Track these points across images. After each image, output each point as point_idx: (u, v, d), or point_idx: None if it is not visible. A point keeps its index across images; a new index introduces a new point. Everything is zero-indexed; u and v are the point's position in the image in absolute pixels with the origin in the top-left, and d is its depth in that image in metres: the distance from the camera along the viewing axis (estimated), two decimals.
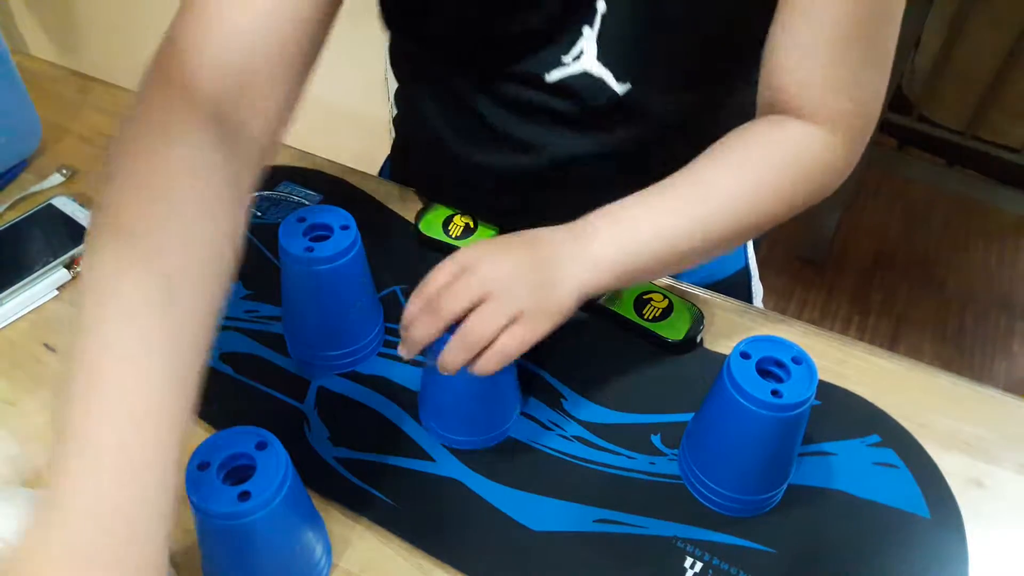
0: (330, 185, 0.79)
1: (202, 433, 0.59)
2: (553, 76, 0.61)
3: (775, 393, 0.49)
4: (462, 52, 0.64)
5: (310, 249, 0.56)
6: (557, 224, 0.56)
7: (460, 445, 0.58)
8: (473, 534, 0.54)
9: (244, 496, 0.43)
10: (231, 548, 0.46)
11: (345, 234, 0.57)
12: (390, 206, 0.77)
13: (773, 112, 0.60)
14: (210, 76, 0.45)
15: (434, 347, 0.52)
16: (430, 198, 0.76)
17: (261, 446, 0.45)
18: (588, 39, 0.59)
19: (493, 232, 0.72)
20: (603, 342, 0.65)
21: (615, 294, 0.67)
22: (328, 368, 0.63)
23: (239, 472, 0.45)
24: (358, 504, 0.55)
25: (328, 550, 0.52)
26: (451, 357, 0.51)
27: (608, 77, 0.60)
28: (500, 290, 0.51)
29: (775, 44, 0.58)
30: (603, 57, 0.59)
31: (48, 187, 0.79)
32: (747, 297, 0.83)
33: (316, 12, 0.49)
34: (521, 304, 0.51)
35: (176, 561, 0.52)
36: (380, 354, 0.64)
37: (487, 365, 0.50)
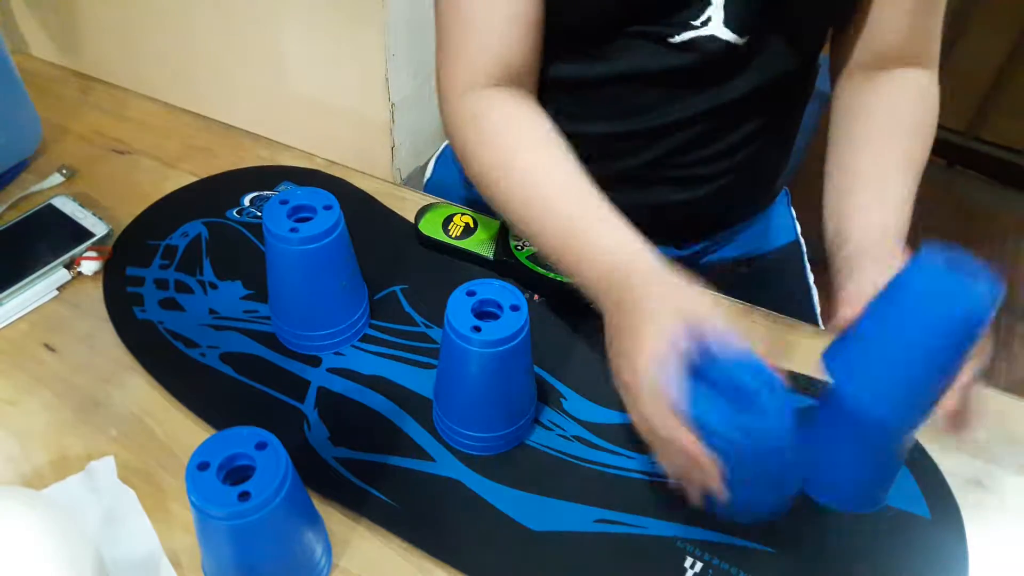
0: (330, 185, 0.79)
1: (202, 433, 0.60)
2: (679, 38, 0.64)
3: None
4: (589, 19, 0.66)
5: (295, 230, 0.57)
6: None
7: (472, 448, 0.58)
8: (473, 534, 0.54)
9: (244, 496, 0.43)
10: (231, 548, 0.46)
11: (328, 214, 0.58)
12: (390, 206, 0.77)
13: (878, 67, 0.67)
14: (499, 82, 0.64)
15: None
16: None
17: (261, 446, 0.45)
18: (716, 7, 0.62)
19: (493, 231, 0.72)
20: (603, 342, 0.65)
21: None
22: (312, 348, 0.64)
23: (239, 472, 0.45)
24: (358, 504, 0.55)
25: (328, 550, 0.52)
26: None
27: (732, 38, 0.63)
28: None
29: (880, 6, 0.65)
30: (729, 23, 0.62)
31: (48, 187, 0.79)
32: (801, 270, 0.86)
33: (537, 14, 0.64)
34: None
35: (176, 561, 0.52)
36: (379, 353, 0.64)
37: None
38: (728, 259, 0.83)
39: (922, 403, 0.47)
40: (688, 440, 0.45)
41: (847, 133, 0.65)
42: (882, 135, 0.64)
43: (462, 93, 0.64)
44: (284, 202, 0.59)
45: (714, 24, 0.63)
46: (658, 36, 0.64)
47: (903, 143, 0.63)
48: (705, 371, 0.46)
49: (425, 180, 0.98)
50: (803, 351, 0.65)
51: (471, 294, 0.53)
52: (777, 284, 0.75)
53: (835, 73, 0.71)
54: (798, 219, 0.90)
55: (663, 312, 0.48)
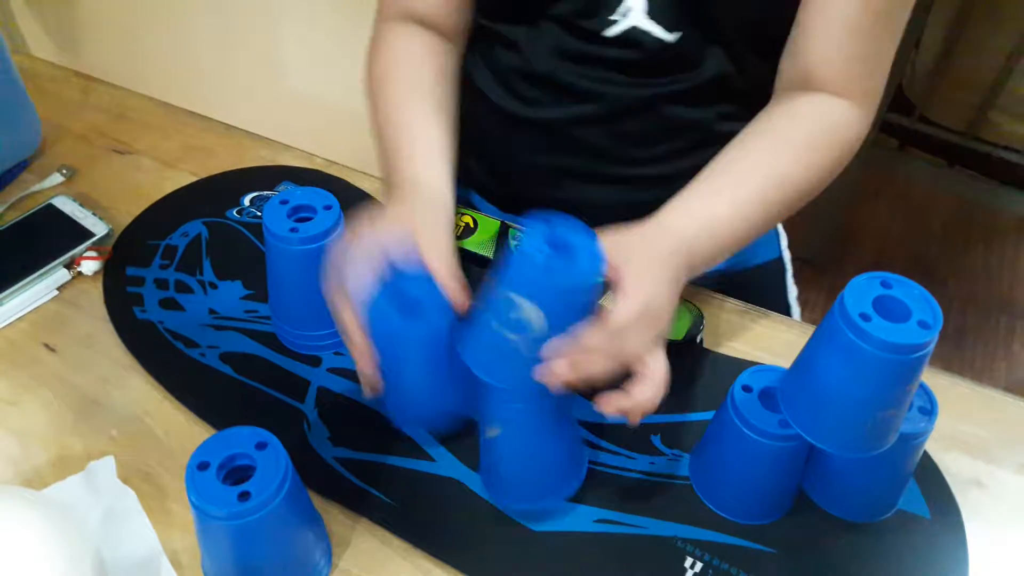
0: (330, 185, 0.79)
1: (202, 433, 0.60)
2: (612, 31, 0.63)
3: (781, 423, 0.50)
4: (519, 10, 0.67)
5: (294, 230, 0.57)
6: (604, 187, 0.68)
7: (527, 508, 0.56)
8: (473, 534, 0.54)
9: (244, 496, 0.43)
10: (231, 548, 0.46)
11: (328, 214, 0.59)
12: None
13: (802, 88, 0.62)
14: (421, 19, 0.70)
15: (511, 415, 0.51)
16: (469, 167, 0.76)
17: (261, 446, 0.45)
18: None
19: (493, 231, 0.72)
20: None
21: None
22: (312, 348, 0.64)
23: (239, 472, 0.45)
24: (358, 504, 0.55)
25: (328, 550, 0.52)
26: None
27: (657, 30, 0.62)
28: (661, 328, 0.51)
29: (806, 23, 0.60)
30: (652, 13, 0.61)
31: (48, 187, 0.79)
32: (782, 287, 0.83)
33: None
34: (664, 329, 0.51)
35: (176, 561, 0.52)
36: None
37: (646, 401, 0.49)
38: (706, 275, 0.81)
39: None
40: (348, 318, 0.53)
41: (740, 133, 0.63)
42: (756, 137, 0.61)
43: (385, 19, 0.71)
44: (284, 202, 0.59)
45: (635, 15, 0.61)
46: (588, 30, 0.64)
47: (775, 152, 0.60)
48: (393, 283, 0.52)
49: None
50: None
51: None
52: (757, 302, 0.74)
53: (774, 90, 0.67)
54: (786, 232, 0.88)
55: (393, 223, 0.55)
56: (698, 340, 0.65)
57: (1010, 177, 1.60)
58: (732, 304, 0.69)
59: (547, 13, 0.65)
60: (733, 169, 0.60)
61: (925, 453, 0.59)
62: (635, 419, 0.49)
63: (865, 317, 0.44)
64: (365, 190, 0.79)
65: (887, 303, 0.45)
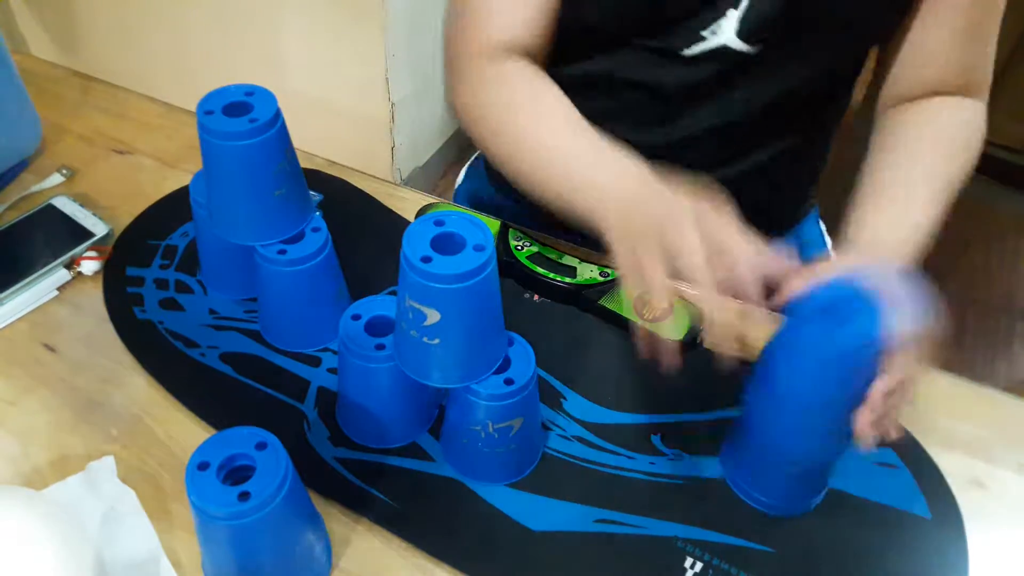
0: (330, 185, 0.79)
1: (202, 433, 0.60)
2: (692, 51, 0.64)
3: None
4: (608, 33, 0.68)
5: (283, 252, 0.59)
6: None
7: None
8: (473, 534, 0.54)
9: (244, 496, 0.43)
10: (231, 548, 0.46)
11: (316, 236, 0.60)
12: (390, 206, 0.77)
13: (929, 94, 0.67)
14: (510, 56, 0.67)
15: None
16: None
17: (261, 446, 0.45)
18: (730, 19, 0.62)
19: (495, 229, 0.72)
20: (603, 342, 0.65)
21: (615, 294, 0.67)
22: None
23: (239, 472, 0.45)
24: (358, 504, 0.55)
25: (328, 550, 0.52)
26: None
27: (743, 47, 0.64)
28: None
29: (927, 35, 0.65)
30: (742, 34, 0.63)
31: (48, 187, 0.79)
32: None
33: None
34: None
35: (176, 561, 0.52)
36: None
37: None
38: None
39: (827, 433, 0.51)
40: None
41: (881, 143, 0.66)
42: (911, 147, 0.64)
43: (476, 56, 0.67)
44: None
45: (725, 34, 0.63)
46: (669, 50, 0.64)
47: (933, 158, 0.63)
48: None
49: (456, 187, 0.98)
50: None
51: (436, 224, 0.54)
52: None
53: (882, 101, 0.70)
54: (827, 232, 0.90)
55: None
56: (698, 340, 0.65)
57: (1010, 177, 1.60)
58: (732, 304, 0.69)
59: (633, 41, 0.66)
60: (913, 178, 0.62)
61: (925, 453, 0.59)
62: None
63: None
64: (365, 190, 0.79)
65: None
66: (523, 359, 0.53)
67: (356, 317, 0.55)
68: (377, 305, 0.56)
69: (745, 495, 0.56)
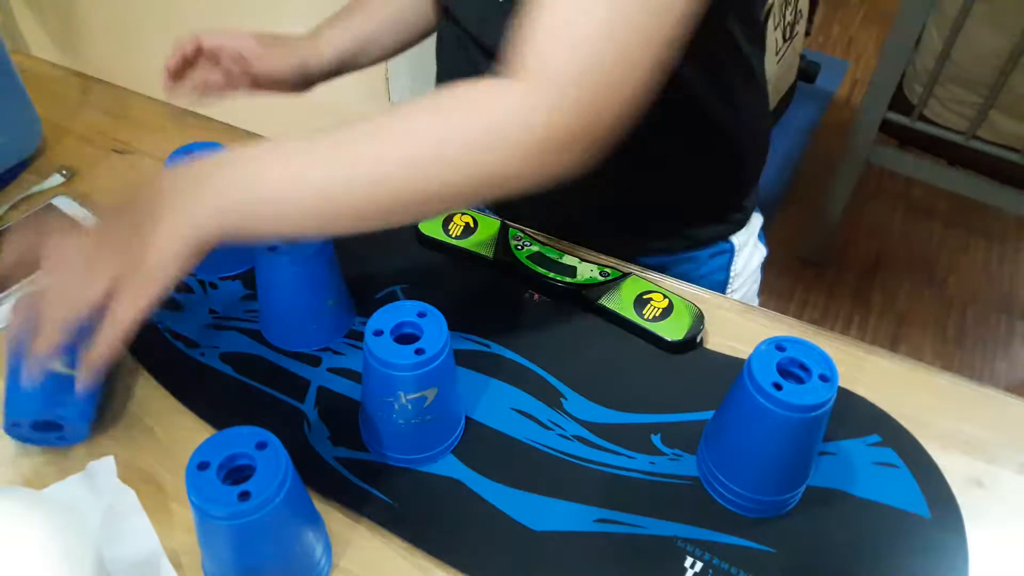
0: None
1: (202, 433, 0.60)
2: None
3: (794, 389, 0.50)
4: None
5: (284, 252, 0.59)
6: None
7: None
8: (473, 534, 0.54)
9: (244, 496, 0.43)
10: (231, 548, 0.46)
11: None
12: None
13: None
14: None
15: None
16: None
17: (261, 446, 0.45)
18: None
19: (493, 231, 0.72)
20: (603, 342, 0.65)
21: (615, 293, 0.67)
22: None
23: (239, 472, 0.45)
24: (358, 504, 0.55)
25: (328, 550, 0.52)
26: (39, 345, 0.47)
27: None
28: (81, 264, 0.47)
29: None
30: None
31: (48, 187, 0.79)
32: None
33: None
34: (110, 270, 0.46)
35: (176, 561, 0.52)
36: None
37: (100, 347, 0.46)
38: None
39: (781, 481, 0.54)
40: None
41: None
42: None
43: None
44: None
45: None
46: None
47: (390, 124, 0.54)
48: None
49: None
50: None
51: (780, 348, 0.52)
52: None
53: None
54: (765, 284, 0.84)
55: None
56: (698, 340, 0.65)
57: (1010, 177, 1.59)
58: (733, 304, 0.69)
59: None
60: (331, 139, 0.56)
61: (925, 453, 0.59)
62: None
63: (776, 386, 0.49)
64: None
65: (787, 364, 0.51)
66: (436, 329, 0.53)
67: (378, 333, 0.53)
68: (396, 313, 0.54)
69: (719, 496, 0.56)
